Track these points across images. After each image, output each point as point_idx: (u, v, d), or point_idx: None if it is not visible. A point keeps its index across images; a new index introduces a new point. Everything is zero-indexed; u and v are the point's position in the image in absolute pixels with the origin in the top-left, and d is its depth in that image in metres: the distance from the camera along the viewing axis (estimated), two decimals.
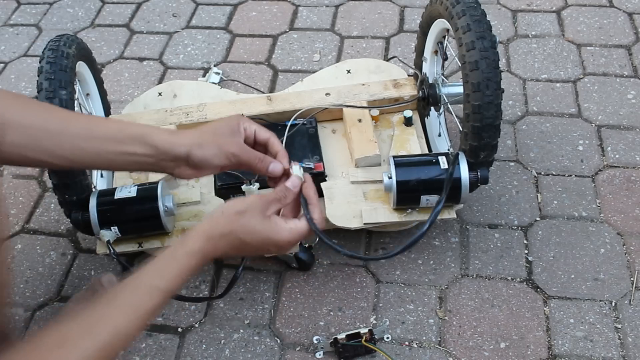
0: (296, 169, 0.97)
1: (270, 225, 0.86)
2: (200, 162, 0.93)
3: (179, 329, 1.24)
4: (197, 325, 1.24)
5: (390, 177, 1.17)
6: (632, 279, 1.26)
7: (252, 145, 0.99)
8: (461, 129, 1.21)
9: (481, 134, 1.14)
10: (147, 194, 1.17)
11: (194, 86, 1.43)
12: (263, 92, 1.71)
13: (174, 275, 0.80)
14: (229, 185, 1.23)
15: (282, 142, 1.22)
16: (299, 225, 0.89)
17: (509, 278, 1.28)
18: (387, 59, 1.79)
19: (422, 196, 1.16)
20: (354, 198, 1.23)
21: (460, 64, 1.15)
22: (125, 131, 0.91)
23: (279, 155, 0.98)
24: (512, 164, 1.49)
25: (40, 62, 1.17)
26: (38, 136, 0.87)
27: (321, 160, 1.26)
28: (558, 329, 1.20)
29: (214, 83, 1.70)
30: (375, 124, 1.34)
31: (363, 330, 1.16)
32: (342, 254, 0.93)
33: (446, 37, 1.32)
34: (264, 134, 0.99)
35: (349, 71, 1.43)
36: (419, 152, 1.30)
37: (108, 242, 1.16)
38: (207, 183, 1.29)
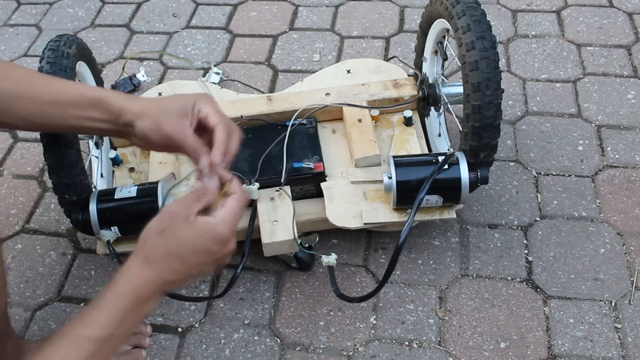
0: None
1: (199, 226, 0.77)
2: (141, 135, 0.90)
3: (179, 329, 1.24)
4: (197, 325, 1.24)
5: (390, 177, 1.17)
6: (632, 279, 1.26)
7: (205, 128, 0.92)
8: (461, 129, 1.21)
9: (481, 134, 1.14)
10: (147, 193, 1.17)
11: (194, 86, 1.43)
12: (263, 92, 1.71)
13: (105, 322, 0.73)
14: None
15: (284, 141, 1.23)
16: (226, 209, 0.80)
17: (509, 278, 1.28)
18: (387, 59, 1.79)
19: None
20: (354, 198, 1.23)
21: (460, 64, 1.15)
22: (85, 95, 0.91)
23: (214, 148, 0.89)
24: (512, 164, 1.49)
25: (40, 62, 1.17)
26: (10, 102, 0.88)
27: (321, 160, 1.26)
28: (558, 329, 1.20)
29: (214, 83, 1.70)
30: (375, 124, 1.34)
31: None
32: None
33: (446, 37, 1.32)
34: (213, 120, 0.90)
35: (349, 71, 1.43)
36: (419, 152, 1.30)
37: (108, 242, 1.16)
38: None
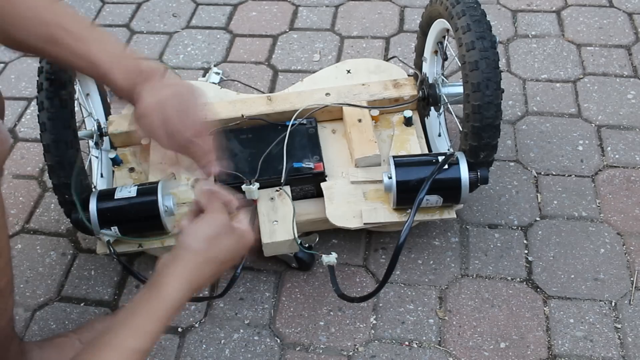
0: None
1: (236, 230, 0.86)
2: (145, 126, 0.91)
3: (179, 329, 1.24)
4: (197, 325, 1.24)
5: (390, 177, 1.17)
6: (632, 279, 1.26)
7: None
8: (461, 129, 1.21)
9: (481, 134, 1.14)
10: (147, 193, 1.17)
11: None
12: (263, 92, 1.71)
13: (153, 333, 0.76)
14: (229, 185, 1.23)
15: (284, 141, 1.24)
16: (242, 220, 0.89)
17: (509, 278, 1.28)
18: (387, 59, 1.79)
19: None
20: (354, 198, 1.23)
21: (460, 64, 1.15)
22: (96, 67, 0.89)
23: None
24: (512, 164, 1.49)
25: (40, 62, 1.17)
26: (43, 45, 0.87)
27: (321, 160, 1.26)
28: (558, 329, 1.20)
29: (214, 83, 1.70)
30: (375, 124, 1.34)
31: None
32: None
33: (446, 37, 1.32)
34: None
35: (349, 71, 1.43)
36: (419, 152, 1.30)
37: (108, 242, 1.16)
38: None
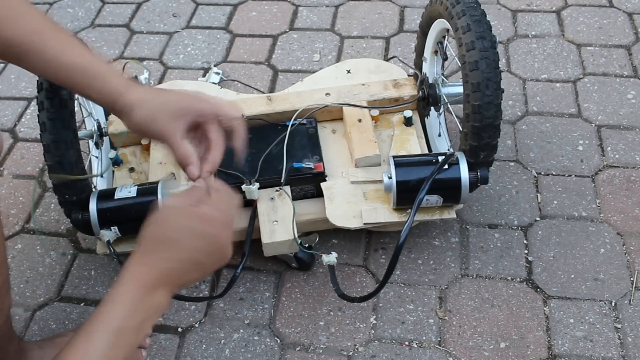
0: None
1: (192, 211, 0.80)
2: (134, 124, 0.91)
3: (179, 329, 1.24)
4: (197, 325, 1.24)
5: (390, 177, 1.17)
6: (632, 279, 1.26)
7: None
8: (461, 129, 1.21)
9: (481, 134, 1.14)
10: (147, 193, 1.17)
11: (194, 86, 1.44)
12: (263, 92, 1.71)
13: (114, 314, 0.74)
14: (228, 185, 1.23)
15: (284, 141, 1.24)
16: (215, 197, 0.84)
17: (509, 278, 1.28)
18: (387, 59, 1.79)
19: None
20: (354, 198, 1.23)
21: (460, 64, 1.15)
22: (89, 68, 0.91)
23: (204, 164, 0.92)
24: (512, 164, 1.49)
25: None
26: (22, 53, 0.88)
27: (321, 160, 1.26)
28: (558, 329, 1.20)
29: (214, 83, 1.70)
30: (375, 124, 1.34)
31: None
32: None
33: (446, 37, 1.32)
34: (213, 136, 0.92)
35: (349, 71, 1.43)
36: (419, 152, 1.30)
37: (108, 242, 1.16)
38: None
